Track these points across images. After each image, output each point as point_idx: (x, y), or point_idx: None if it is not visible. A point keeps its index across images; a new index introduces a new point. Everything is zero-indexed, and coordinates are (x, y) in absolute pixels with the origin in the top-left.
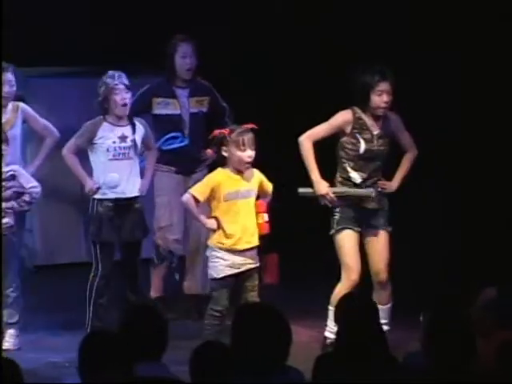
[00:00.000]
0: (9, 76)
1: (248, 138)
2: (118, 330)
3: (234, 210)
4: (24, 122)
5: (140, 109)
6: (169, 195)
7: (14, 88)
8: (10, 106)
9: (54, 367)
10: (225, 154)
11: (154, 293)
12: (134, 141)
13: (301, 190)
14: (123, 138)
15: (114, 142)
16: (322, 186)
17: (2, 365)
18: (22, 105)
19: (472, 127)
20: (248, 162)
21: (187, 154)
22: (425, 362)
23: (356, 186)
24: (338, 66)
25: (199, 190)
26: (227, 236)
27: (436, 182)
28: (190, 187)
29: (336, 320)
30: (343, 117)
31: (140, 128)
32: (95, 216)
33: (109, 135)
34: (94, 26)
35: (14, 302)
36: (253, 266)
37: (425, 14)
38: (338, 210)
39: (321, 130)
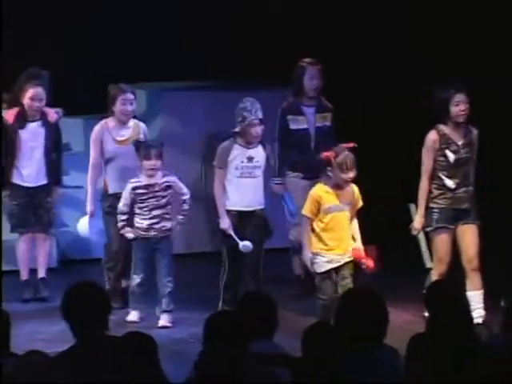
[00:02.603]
0: (129, 95)
1: (350, 160)
2: (237, 312)
3: (332, 223)
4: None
5: (283, 128)
6: (296, 198)
7: (135, 106)
8: (132, 123)
9: (181, 342)
10: (330, 174)
11: (296, 271)
12: (259, 162)
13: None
14: (250, 159)
15: (243, 162)
16: (418, 221)
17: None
18: (141, 124)
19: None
20: (348, 182)
21: (313, 163)
22: (504, 344)
23: (451, 190)
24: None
25: (308, 209)
26: (325, 245)
27: None
28: None
29: (426, 304)
30: (431, 138)
31: (264, 149)
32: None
33: (239, 156)
34: (218, 44)
35: (171, 292)
36: (348, 259)
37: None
38: (436, 210)
39: (428, 164)
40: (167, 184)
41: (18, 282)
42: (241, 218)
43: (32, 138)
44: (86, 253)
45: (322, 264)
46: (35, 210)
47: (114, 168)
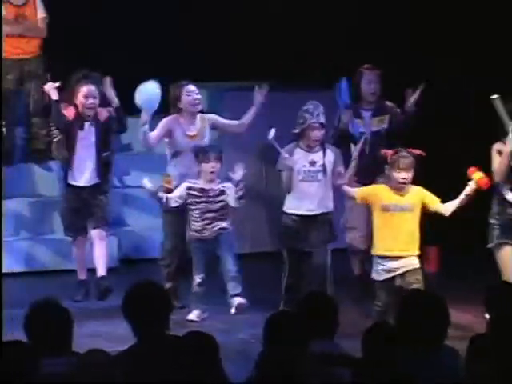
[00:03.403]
0: (191, 86)
1: (406, 161)
2: (297, 312)
3: (389, 221)
4: (212, 128)
5: (338, 130)
6: (351, 201)
7: (200, 96)
8: (198, 117)
9: (242, 342)
10: (386, 171)
11: (356, 272)
12: (323, 165)
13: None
14: (313, 163)
15: (305, 166)
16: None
17: (204, 338)
18: (207, 115)
19: None
20: (400, 183)
21: (368, 166)
22: None
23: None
24: None
25: (362, 191)
26: (382, 243)
27: None
28: None
29: (487, 305)
30: (496, 148)
31: (330, 154)
32: (284, 227)
33: (300, 159)
34: (278, 44)
35: (236, 276)
36: (411, 268)
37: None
38: (496, 226)
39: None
40: (222, 189)
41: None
42: (303, 222)
43: (84, 136)
44: (148, 252)
45: (381, 272)
46: (88, 210)
47: (179, 163)
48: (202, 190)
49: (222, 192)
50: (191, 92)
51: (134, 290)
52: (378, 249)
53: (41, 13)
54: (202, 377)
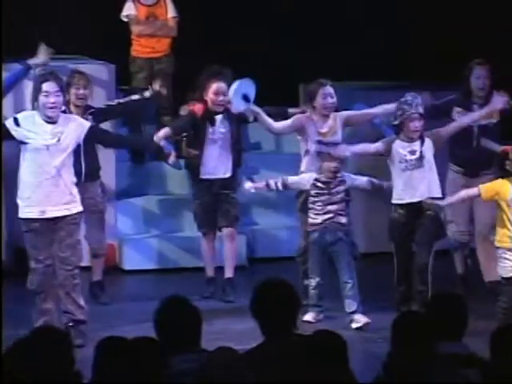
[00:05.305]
0: (329, 89)
1: None
2: (425, 312)
3: None
4: (346, 125)
5: (440, 111)
6: (452, 194)
7: (335, 99)
8: (331, 116)
9: (365, 341)
10: (507, 167)
11: (459, 270)
12: (421, 152)
13: None
14: (412, 152)
15: (405, 155)
16: None
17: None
18: (339, 113)
19: None
20: None
21: (474, 159)
22: None
23: None
24: None
25: (486, 188)
26: (510, 236)
27: None
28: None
29: None
30: None
31: (428, 142)
32: (391, 220)
33: (400, 150)
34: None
35: (351, 294)
36: None
37: None
38: None
39: None
40: (341, 179)
41: (205, 279)
42: (409, 216)
43: (215, 131)
44: (275, 251)
45: (509, 269)
46: (220, 206)
47: (311, 161)
48: (325, 182)
49: (343, 182)
50: (327, 95)
51: (263, 288)
52: (505, 243)
53: (171, 12)
54: (330, 376)
